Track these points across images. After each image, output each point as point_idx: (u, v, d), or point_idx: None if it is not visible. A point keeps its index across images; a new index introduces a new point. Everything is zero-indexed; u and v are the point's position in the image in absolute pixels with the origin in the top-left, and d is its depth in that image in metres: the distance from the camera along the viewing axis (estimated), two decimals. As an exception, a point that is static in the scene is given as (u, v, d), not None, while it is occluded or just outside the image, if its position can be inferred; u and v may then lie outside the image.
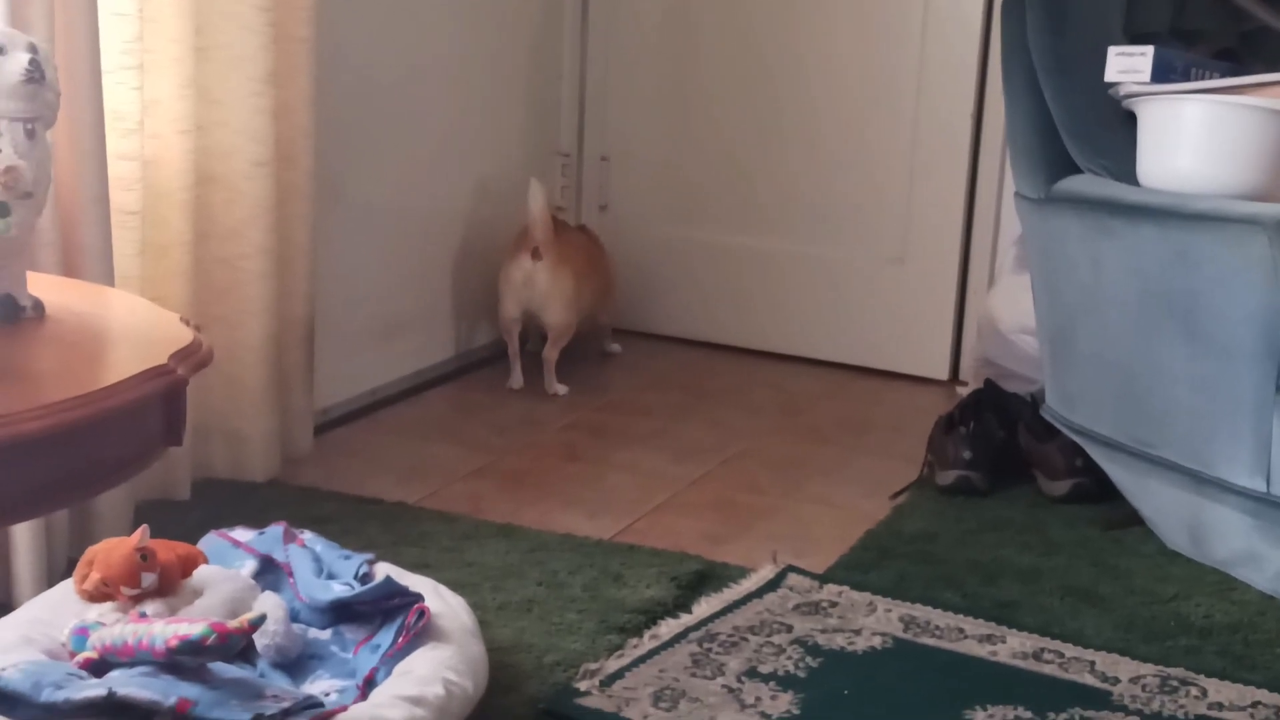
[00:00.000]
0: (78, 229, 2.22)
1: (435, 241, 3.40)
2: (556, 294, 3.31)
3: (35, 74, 1.57)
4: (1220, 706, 2.03)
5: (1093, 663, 2.14)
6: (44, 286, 1.66)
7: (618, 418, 3.25)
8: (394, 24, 3.16)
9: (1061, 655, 2.16)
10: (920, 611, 2.28)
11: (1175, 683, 2.08)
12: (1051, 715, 1.98)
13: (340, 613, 1.94)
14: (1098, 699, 2.04)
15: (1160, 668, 2.12)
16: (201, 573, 1.91)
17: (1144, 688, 2.07)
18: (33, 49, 1.59)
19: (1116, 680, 2.09)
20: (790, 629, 2.21)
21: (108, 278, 2.27)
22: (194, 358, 1.49)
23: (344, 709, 1.73)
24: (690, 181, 3.76)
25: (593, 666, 2.07)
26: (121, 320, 1.75)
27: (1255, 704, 2.03)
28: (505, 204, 3.48)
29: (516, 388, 3.39)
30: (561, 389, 3.35)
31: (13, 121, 1.55)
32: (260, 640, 1.81)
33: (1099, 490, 2.70)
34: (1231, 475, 2.35)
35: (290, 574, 2.01)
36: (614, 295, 3.62)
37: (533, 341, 3.55)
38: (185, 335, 1.54)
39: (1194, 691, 2.06)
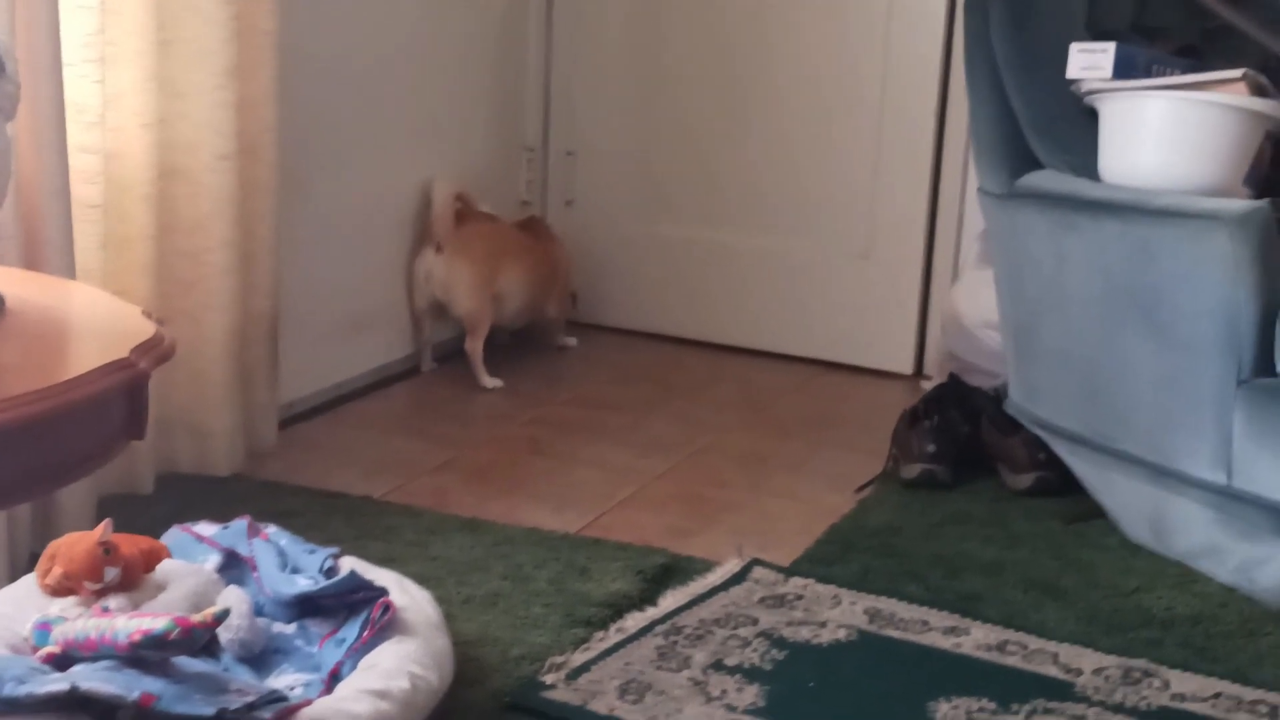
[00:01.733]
0: (39, 222, 2.21)
1: (399, 235, 3.39)
2: (458, 284, 3.34)
3: (-5, 65, 1.56)
4: (1182, 698, 2.04)
5: (1056, 654, 2.15)
6: (4, 280, 1.65)
7: (583, 412, 3.25)
8: (358, 18, 3.15)
9: (1025, 647, 2.17)
10: (885, 604, 2.29)
11: (1138, 674, 2.10)
12: (1015, 707, 1.99)
13: (305, 607, 1.94)
14: (1061, 690, 2.05)
15: (1122, 659, 2.14)
16: (165, 567, 1.90)
17: (1106, 679, 2.08)
18: (-7, 40, 1.58)
19: (1079, 672, 2.10)
20: (756, 622, 2.21)
21: (69, 271, 2.26)
22: (156, 351, 1.48)
23: (309, 703, 1.72)
24: (656, 177, 3.77)
25: (558, 660, 2.07)
26: (83, 313, 1.73)
27: (1217, 695, 2.05)
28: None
29: (426, 370, 3.45)
30: (493, 382, 3.35)
31: (-28, 113, 1.54)
32: (224, 634, 1.80)
33: (1062, 484, 2.71)
34: (1193, 468, 2.37)
35: (254, 568, 2.00)
36: (563, 286, 3.63)
37: (500, 335, 3.56)
38: (147, 329, 1.53)
39: (1156, 683, 2.08)
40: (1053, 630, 2.23)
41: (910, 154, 3.49)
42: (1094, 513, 2.64)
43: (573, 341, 3.69)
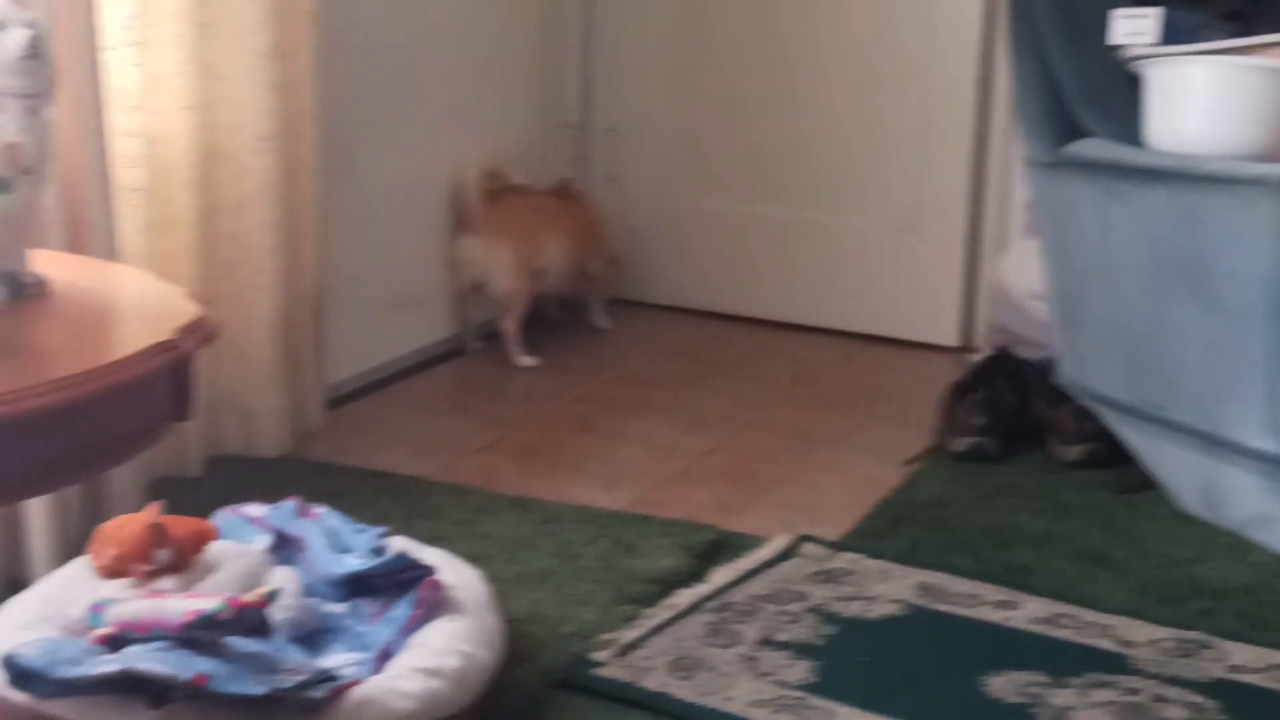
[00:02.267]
0: (82, 206, 2.21)
1: (442, 215, 3.39)
2: (496, 265, 3.34)
3: (34, 50, 1.56)
4: (1238, 669, 2.02)
5: (1108, 627, 2.13)
6: (49, 263, 1.66)
7: (629, 389, 3.24)
8: (398, -3, 3.15)
9: (1077, 620, 2.15)
10: (935, 578, 2.28)
11: (1192, 646, 2.08)
12: (1068, 680, 1.98)
13: (355, 586, 1.94)
14: (1114, 663, 2.03)
15: (1176, 631, 2.12)
16: (215, 548, 1.91)
17: (1161, 651, 2.06)
18: (32, 25, 1.58)
19: (1132, 644, 2.08)
20: (806, 597, 2.20)
21: (113, 254, 2.26)
22: (200, 332, 1.49)
23: (360, 681, 1.73)
24: (698, 151, 3.75)
25: (608, 637, 2.06)
26: (127, 296, 1.75)
27: (1273, 666, 2.03)
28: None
29: (471, 349, 3.45)
30: (528, 360, 3.35)
31: (13, 98, 1.54)
32: (275, 614, 1.80)
33: (1112, 454, 2.69)
34: (1244, 437, 2.34)
35: (304, 548, 2.00)
36: (600, 252, 3.62)
37: (548, 307, 3.58)
38: (192, 310, 1.54)
39: (1211, 654, 2.06)
40: (1105, 602, 2.21)
41: (954, 124, 3.46)
42: (1144, 483, 2.61)
43: (608, 323, 3.67)
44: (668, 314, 3.80)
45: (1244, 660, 2.04)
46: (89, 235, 2.22)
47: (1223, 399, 2.37)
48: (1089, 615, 2.17)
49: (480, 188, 3.31)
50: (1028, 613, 2.17)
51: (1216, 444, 2.40)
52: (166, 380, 1.45)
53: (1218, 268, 2.33)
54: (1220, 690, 1.97)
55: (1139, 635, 2.11)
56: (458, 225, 3.38)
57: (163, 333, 1.45)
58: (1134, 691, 1.96)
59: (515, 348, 3.36)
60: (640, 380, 3.31)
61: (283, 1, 2.58)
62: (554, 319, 3.65)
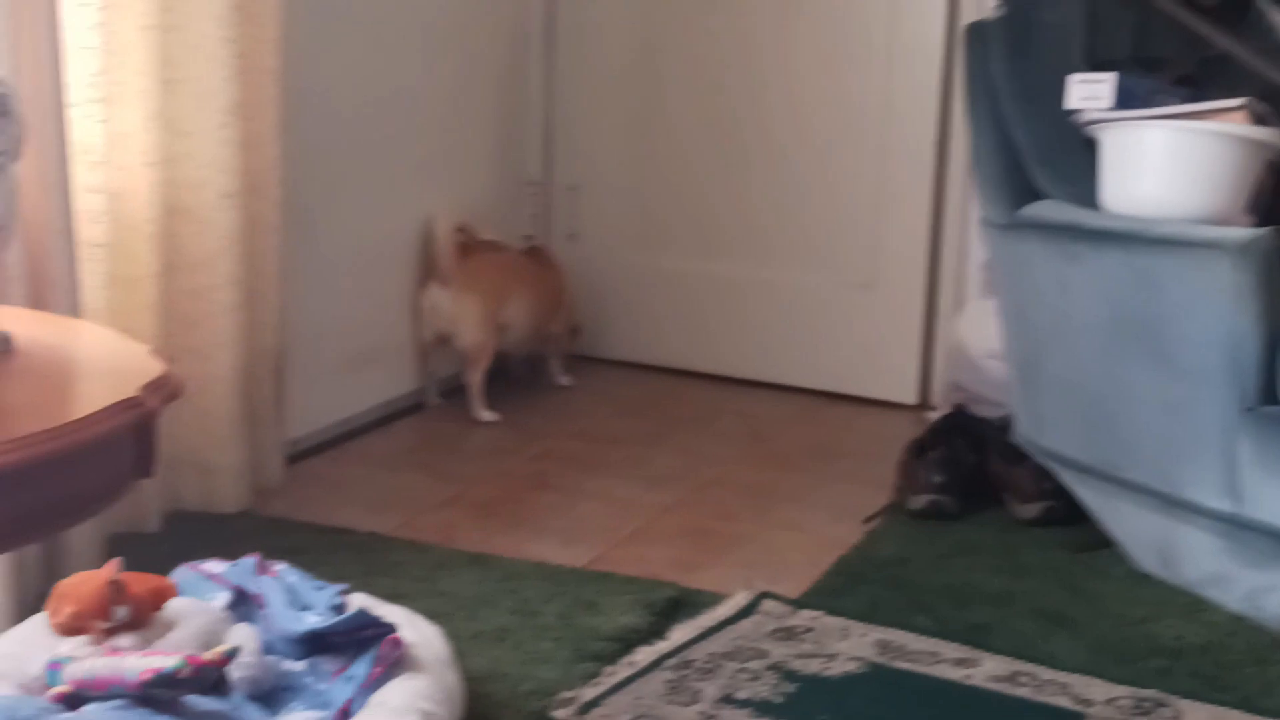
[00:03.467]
0: (45, 261, 2.21)
1: (404, 272, 3.40)
2: (464, 317, 3.35)
3: (1, 108, 1.56)
4: (1193, 727, 2.04)
5: (1067, 685, 2.14)
6: (12, 319, 1.65)
7: (587, 446, 3.25)
8: (361, 54, 3.17)
9: (1035, 678, 2.16)
10: (894, 635, 2.28)
11: (1149, 704, 2.09)
12: (1026, 738, 1.99)
13: (314, 644, 1.93)
14: (1072, 721, 2.04)
15: (1133, 689, 2.13)
16: (174, 605, 1.90)
17: (1118, 710, 2.07)
18: None
19: (1091, 703, 2.09)
20: (766, 655, 2.21)
21: (75, 310, 2.26)
22: (165, 390, 1.49)
23: (319, 741, 1.72)
24: (659, 210, 3.77)
25: (568, 695, 2.06)
26: (91, 352, 1.74)
27: (1228, 724, 2.05)
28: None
29: (431, 404, 3.46)
30: (489, 416, 3.36)
31: (-20, 155, 1.54)
32: (234, 672, 1.79)
33: (1069, 513, 2.71)
34: (1201, 497, 2.37)
35: (263, 605, 1.99)
36: (566, 312, 3.63)
37: (511, 364, 3.60)
38: (155, 367, 1.53)
39: (1168, 713, 2.07)
40: (1063, 660, 2.23)
41: (912, 184, 3.50)
42: (1102, 542, 2.63)
43: (569, 380, 3.68)
44: (627, 370, 3.81)
45: (1200, 719, 2.05)
46: (51, 291, 2.21)
47: (1179, 459, 2.40)
48: (1047, 673, 2.18)
49: (452, 239, 3.32)
50: (986, 670, 2.18)
51: (1173, 504, 2.43)
52: (130, 438, 1.44)
53: (1174, 329, 2.36)
54: (1177, 749, 1.98)
55: (1097, 694, 2.12)
56: (425, 276, 3.38)
57: (127, 390, 1.44)
58: (1092, 750, 1.97)
59: (477, 402, 3.37)
60: (599, 437, 3.31)
61: (247, 60, 2.59)
62: (515, 375, 3.66)
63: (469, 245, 3.37)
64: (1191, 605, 2.43)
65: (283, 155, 2.72)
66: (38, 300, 2.20)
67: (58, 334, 1.80)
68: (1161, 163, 2.46)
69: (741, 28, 3.62)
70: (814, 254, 3.64)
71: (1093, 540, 2.64)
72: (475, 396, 3.37)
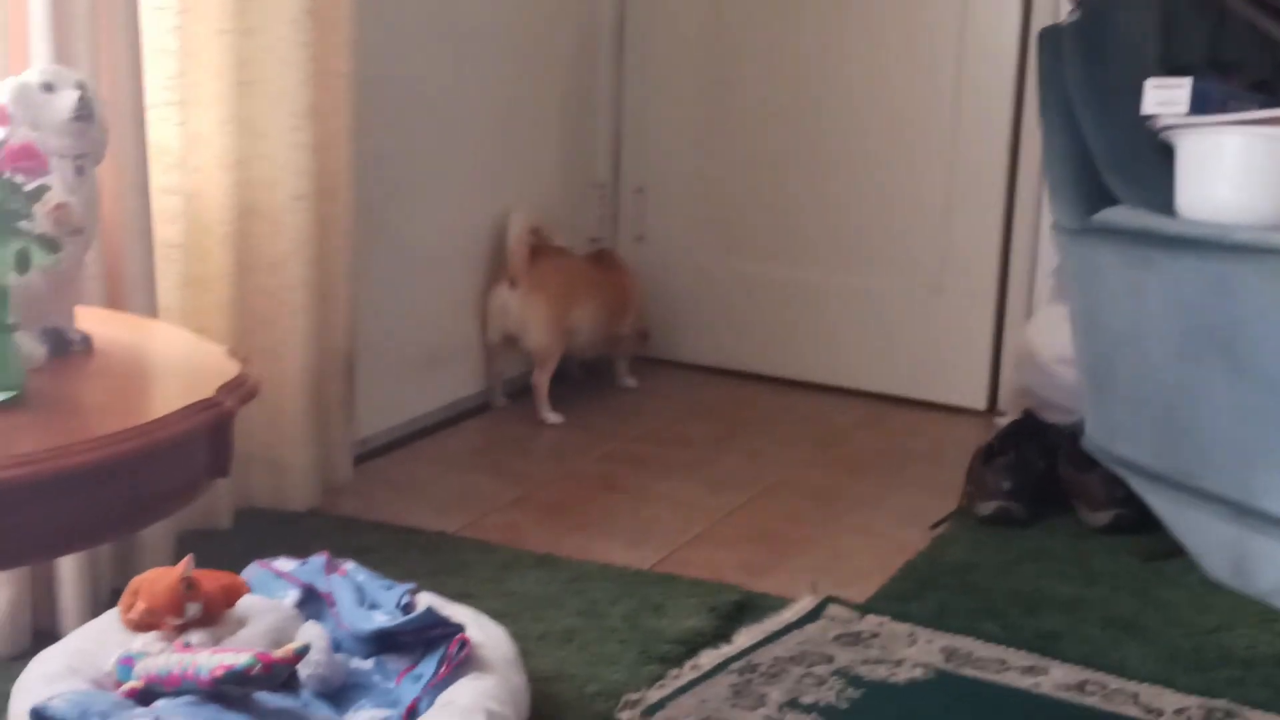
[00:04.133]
0: (122, 262, 2.24)
1: (472, 273, 3.42)
2: (532, 319, 3.36)
3: (84, 111, 1.59)
4: (1265, 739, 2.01)
5: (1136, 695, 2.12)
6: (90, 319, 1.68)
7: (655, 448, 3.25)
8: (432, 58, 3.19)
9: (1104, 687, 2.15)
10: (962, 642, 2.27)
11: (1220, 715, 2.07)
12: (1095, 747, 1.97)
13: (382, 642, 1.95)
14: (1141, 731, 2.03)
15: (1204, 700, 2.11)
16: (245, 602, 1.92)
17: (1188, 719, 2.06)
18: (81, 86, 1.62)
19: (1160, 713, 2.07)
20: (831, 660, 2.20)
21: (151, 310, 2.29)
22: (241, 390, 1.51)
23: (387, 739, 1.73)
24: (726, 212, 3.77)
25: (634, 697, 2.06)
26: (168, 353, 1.76)
27: (1301, 737, 2.02)
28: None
29: (497, 405, 3.47)
30: (555, 417, 3.37)
31: (62, 158, 1.57)
32: (304, 670, 1.81)
33: (1140, 521, 2.68)
34: (1274, 506, 2.34)
35: (332, 604, 2.01)
36: (634, 317, 3.63)
37: (572, 368, 3.61)
38: (232, 368, 1.56)
39: (1238, 724, 2.05)
40: (1133, 669, 2.21)
41: (983, 188, 3.48)
42: (1173, 550, 2.60)
43: (634, 382, 3.69)
44: (693, 373, 3.81)
45: (1273, 731, 2.03)
46: (128, 291, 2.24)
47: (1253, 467, 2.37)
48: (1116, 682, 2.16)
49: (525, 241, 3.33)
50: (1055, 679, 2.17)
51: (1247, 513, 2.40)
52: (206, 437, 1.46)
53: (1249, 336, 2.33)
54: (1249, 761, 1.96)
55: (1166, 704, 2.10)
56: (494, 277, 3.40)
57: (204, 390, 1.46)
58: (1162, 761, 1.95)
59: (543, 404, 3.38)
60: (666, 439, 3.32)
61: (319, 63, 2.61)
62: (576, 378, 3.67)
63: (539, 249, 3.38)
64: (1265, 615, 2.40)
65: (354, 158, 2.74)
66: (115, 301, 2.23)
67: (135, 334, 1.83)
68: (1237, 168, 2.43)
69: (812, 31, 3.61)
70: (884, 257, 3.62)
71: (1164, 548, 2.62)
72: (541, 398, 3.38)
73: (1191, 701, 2.11)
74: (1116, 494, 2.72)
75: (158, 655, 1.76)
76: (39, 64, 1.94)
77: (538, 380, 3.39)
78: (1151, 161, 2.56)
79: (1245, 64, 2.81)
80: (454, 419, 3.39)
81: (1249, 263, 2.32)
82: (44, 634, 2.13)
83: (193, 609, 1.84)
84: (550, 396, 3.40)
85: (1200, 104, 2.48)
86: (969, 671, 2.19)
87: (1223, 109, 2.50)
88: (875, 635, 2.29)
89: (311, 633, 1.90)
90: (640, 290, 3.67)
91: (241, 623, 1.88)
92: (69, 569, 2.17)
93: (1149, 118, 2.56)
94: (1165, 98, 2.50)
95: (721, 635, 2.27)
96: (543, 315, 3.36)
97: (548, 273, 3.38)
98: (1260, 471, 2.36)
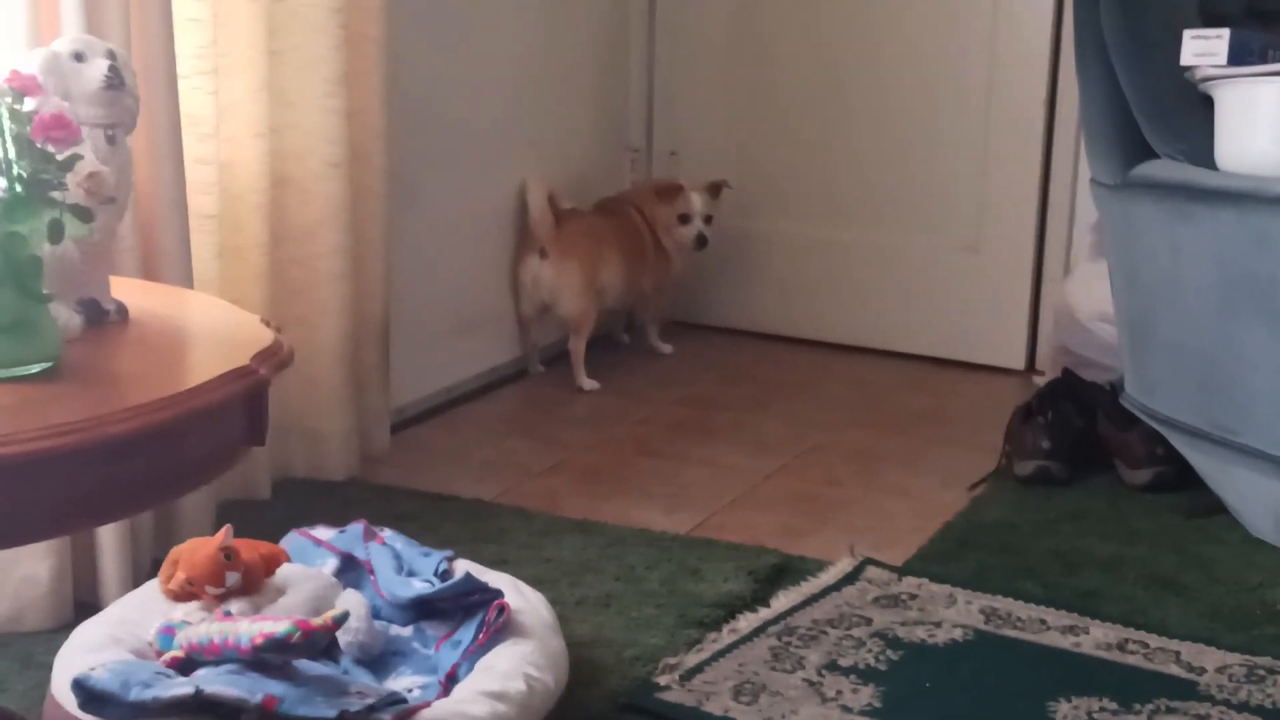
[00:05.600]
0: (156, 233, 2.25)
1: (507, 238, 3.41)
2: (565, 287, 3.36)
3: (115, 80, 1.59)
4: (1310, 696, 2.00)
5: (1178, 653, 2.11)
6: (125, 290, 1.68)
7: (691, 412, 3.25)
8: (464, 24, 3.17)
9: (1146, 645, 2.13)
10: (1001, 603, 2.26)
11: (1263, 672, 2.06)
12: (1137, 706, 1.96)
13: (421, 609, 1.95)
14: (1184, 689, 2.01)
15: (1247, 657, 2.10)
16: (284, 571, 1.92)
17: (1230, 677, 2.04)
18: (111, 55, 1.61)
19: (1203, 670, 2.06)
20: (870, 622, 2.20)
21: (186, 280, 2.29)
22: (275, 359, 1.51)
23: (427, 705, 1.74)
24: (760, 174, 3.75)
25: (672, 661, 2.07)
26: (203, 322, 1.77)
27: (1346, 693, 2.00)
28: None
29: (534, 372, 3.48)
30: (591, 384, 3.37)
31: (94, 128, 1.57)
32: (343, 637, 1.82)
33: (1181, 478, 2.67)
34: (1317, 461, 2.32)
35: (371, 571, 2.02)
36: (651, 272, 3.59)
37: (629, 335, 3.64)
38: (266, 336, 1.56)
39: (1282, 681, 2.04)
40: (1174, 628, 2.19)
41: (1020, 144, 3.45)
42: (1215, 507, 2.59)
43: (668, 348, 3.67)
44: (730, 336, 3.80)
45: (1317, 688, 2.02)
46: (163, 262, 2.25)
47: (1294, 423, 2.35)
48: (1158, 641, 2.15)
49: (548, 208, 3.33)
50: (1096, 638, 2.16)
51: (1288, 469, 2.38)
52: (242, 406, 1.47)
53: (1289, 290, 2.31)
54: (1293, 719, 1.95)
55: (1208, 661, 2.09)
56: (523, 246, 3.39)
57: (239, 359, 1.47)
58: (1203, 718, 1.94)
59: (580, 369, 3.38)
60: (703, 403, 3.31)
61: (351, 29, 2.61)
62: (619, 343, 3.67)
63: (558, 215, 3.37)
64: (1308, 572, 2.38)
65: (386, 124, 2.74)
66: (150, 271, 2.23)
67: (170, 304, 1.84)
68: (1278, 120, 2.39)
69: (844, -11, 3.59)
70: (920, 217, 3.60)
71: (1205, 505, 2.60)
72: (578, 365, 3.38)
73: (1234, 659, 2.09)
74: (1156, 451, 2.70)
75: (198, 624, 1.77)
76: (69, 33, 1.94)
77: (574, 347, 3.38)
78: (1190, 114, 2.53)
79: (1285, 14, 2.77)
80: (491, 386, 3.39)
81: (1290, 216, 2.29)
82: (85, 605, 2.14)
83: (232, 578, 1.84)
84: (587, 363, 3.39)
85: (1239, 54, 2.45)
86: (1009, 632, 2.18)
87: (1262, 59, 2.47)
88: (914, 597, 2.28)
89: (351, 600, 1.91)
90: (650, 222, 3.58)
91: (281, 591, 1.89)
92: (109, 540, 2.19)
93: (1187, 69, 2.53)
94: (1203, 48, 2.47)
95: (759, 599, 2.27)
96: (575, 282, 3.36)
97: (574, 238, 3.37)
98: (1303, 427, 2.34)
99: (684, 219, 3.54)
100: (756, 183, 3.76)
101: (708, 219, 3.54)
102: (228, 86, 2.44)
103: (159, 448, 1.37)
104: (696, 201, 3.53)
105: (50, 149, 1.45)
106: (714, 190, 3.57)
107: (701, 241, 3.54)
